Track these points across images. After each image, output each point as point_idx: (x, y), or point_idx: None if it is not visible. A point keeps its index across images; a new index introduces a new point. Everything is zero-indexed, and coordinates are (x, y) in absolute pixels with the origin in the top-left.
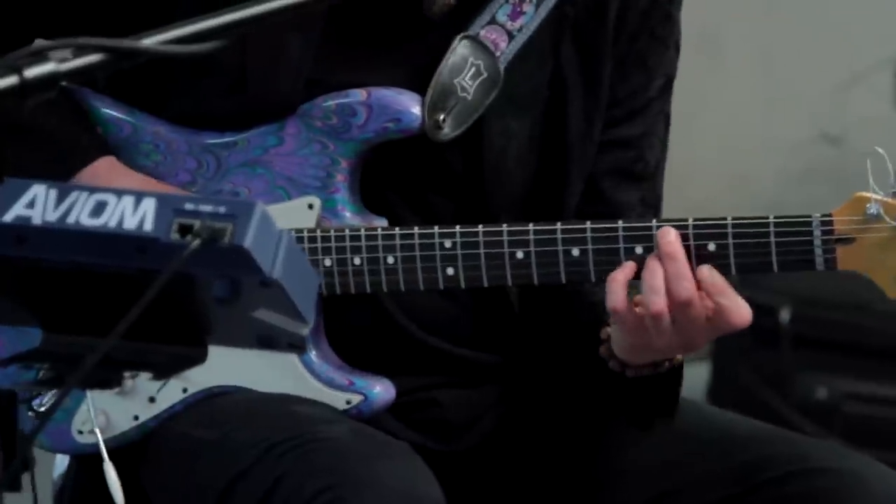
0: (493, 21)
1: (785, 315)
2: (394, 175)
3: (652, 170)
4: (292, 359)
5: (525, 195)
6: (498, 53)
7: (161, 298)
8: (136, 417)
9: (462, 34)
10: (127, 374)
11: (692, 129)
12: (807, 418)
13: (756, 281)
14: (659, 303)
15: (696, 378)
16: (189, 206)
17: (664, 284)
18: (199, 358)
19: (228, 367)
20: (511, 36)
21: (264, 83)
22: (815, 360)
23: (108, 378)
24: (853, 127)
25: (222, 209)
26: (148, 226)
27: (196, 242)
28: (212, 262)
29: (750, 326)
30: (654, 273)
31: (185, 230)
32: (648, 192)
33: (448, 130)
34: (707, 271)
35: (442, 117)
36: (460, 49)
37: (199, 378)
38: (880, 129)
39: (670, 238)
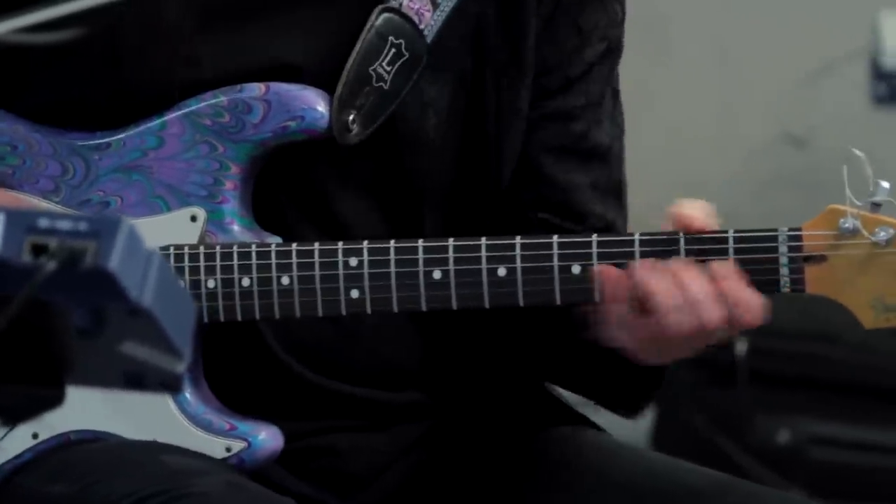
0: None
1: (741, 347)
2: (292, 183)
3: (603, 150)
4: (163, 399)
5: (450, 181)
6: (422, 26)
7: (11, 330)
8: None
9: (381, 5)
10: None
11: (635, 128)
12: (766, 466)
13: None
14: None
15: (637, 420)
16: (43, 223)
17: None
18: (55, 399)
19: (87, 409)
20: (435, 4)
21: (140, 59)
22: (775, 398)
23: None
24: (822, 126)
25: (83, 226)
26: None
27: (52, 264)
28: (71, 287)
29: (700, 361)
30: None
31: (39, 250)
32: (601, 175)
33: (359, 130)
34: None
35: (352, 117)
36: (379, 25)
37: (52, 422)
38: (853, 129)
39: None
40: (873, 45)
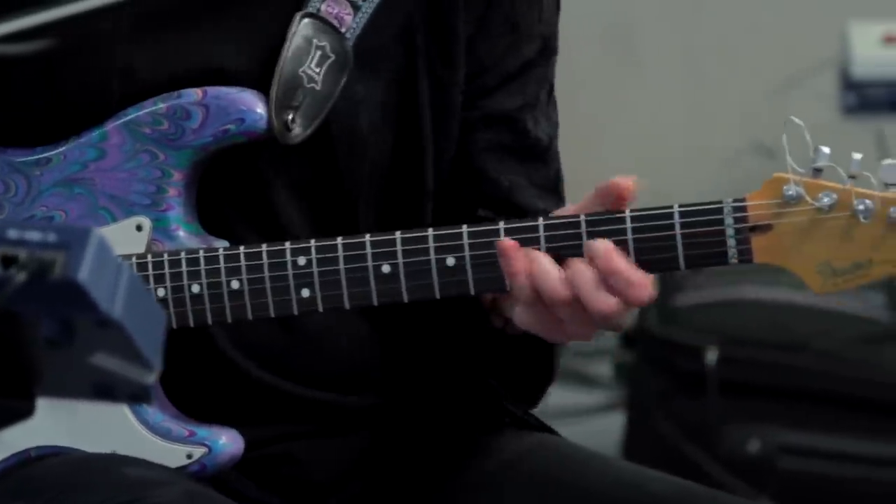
0: None
1: (711, 356)
2: (234, 186)
3: (542, 148)
4: (121, 410)
5: (384, 179)
6: (343, 30)
7: None
8: None
9: (302, 11)
10: None
11: (604, 138)
12: (736, 475)
13: (677, 317)
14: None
15: (608, 429)
16: (12, 234)
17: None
18: (25, 411)
19: (46, 425)
20: (356, 6)
21: (75, 71)
22: (745, 408)
23: None
24: (792, 136)
25: (52, 237)
26: None
27: (22, 276)
28: (40, 298)
29: (671, 370)
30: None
31: (8, 261)
32: (540, 172)
33: (299, 130)
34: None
35: (291, 116)
36: (302, 30)
37: (11, 440)
38: (823, 139)
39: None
40: (842, 55)
